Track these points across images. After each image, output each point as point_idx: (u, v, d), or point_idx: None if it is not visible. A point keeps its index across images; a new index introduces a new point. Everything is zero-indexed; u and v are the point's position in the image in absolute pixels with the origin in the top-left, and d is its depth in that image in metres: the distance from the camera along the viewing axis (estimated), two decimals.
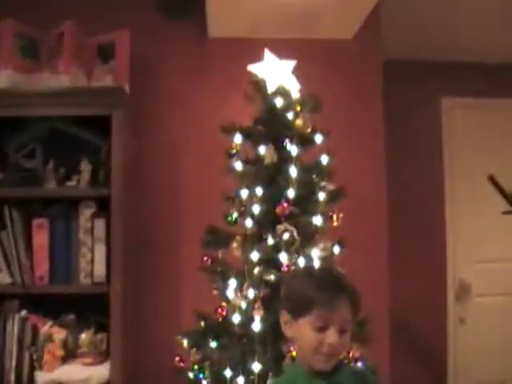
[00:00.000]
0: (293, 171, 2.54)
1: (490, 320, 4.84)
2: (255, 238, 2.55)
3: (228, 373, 2.40)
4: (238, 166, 2.63)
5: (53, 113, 2.80)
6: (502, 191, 4.10)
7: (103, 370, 2.77)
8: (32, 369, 2.77)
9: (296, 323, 1.66)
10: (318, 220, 2.56)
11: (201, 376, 2.50)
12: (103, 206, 2.86)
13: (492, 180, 4.11)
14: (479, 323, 4.83)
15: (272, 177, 2.58)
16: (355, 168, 3.33)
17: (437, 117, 4.50)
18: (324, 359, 1.61)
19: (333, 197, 2.65)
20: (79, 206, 2.86)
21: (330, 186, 2.66)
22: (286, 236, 2.49)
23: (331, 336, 1.59)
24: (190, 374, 2.59)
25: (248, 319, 2.41)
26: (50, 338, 2.77)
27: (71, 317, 2.91)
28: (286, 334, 1.72)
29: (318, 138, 2.66)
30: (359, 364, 2.45)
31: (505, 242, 4.77)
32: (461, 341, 4.84)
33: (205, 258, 2.65)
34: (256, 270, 2.45)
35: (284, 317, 1.71)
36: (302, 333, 1.64)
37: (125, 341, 2.85)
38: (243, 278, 2.50)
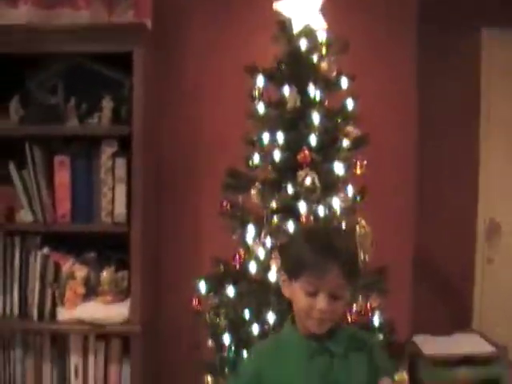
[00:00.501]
0: (316, 117, 2.45)
1: None
2: (275, 186, 2.50)
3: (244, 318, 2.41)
4: (260, 108, 2.56)
5: (73, 49, 2.74)
6: None
7: (123, 309, 2.81)
8: (54, 305, 2.82)
9: (291, 285, 1.64)
10: (340, 168, 2.49)
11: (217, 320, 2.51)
12: (124, 145, 2.82)
13: None
14: (508, 263, 4.80)
15: (294, 122, 2.50)
16: (383, 115, 3.18)
17: (476, 51, 4.28)
18: (315, 323, 1.60)
19: (357, 143, 2.57)
20: (101, 144, 2.83)
21: (355, 132, 2.57)
22: (307, 181, 2.43)
23: (320, 302, 1.56)
24: (207, 317, 2.61)
25: (265, 268, 2.39)
26: (71, 276, 2.81)
27: (92, 254, 2.95)
28: (284, 293, 1.71)
29: (344, 82, 2.56)
30: (375, 319, 2.43)
31: None
32: (488, 281, 4.81)
33: (224, 203, 2.62)
34: (274, 219, 2.41)
35: (282, 277, 1.70)
36: (295, 295, 1.63)
37: (145, 280, 2.87)
38: (262, 225, 2.47)
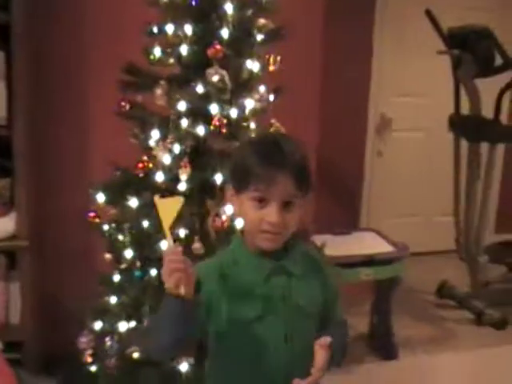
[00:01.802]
0: (229, 7, 2.17)
1: (405, 154, 4.94)
2: (182, 84, 2.23)
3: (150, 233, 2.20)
4: None
5: None
6: (437, 27, 3.85)
7: (7, 223, 2.52)
8: None
9: (239, 199, 1.48)
10: (253, 64, 2.26)
11: (120, 237, 2.27)
12: (3, 37, 2.43)
13: (429, 15, 3.84)
14: (396, 156, 4.89)
15: (204, 12, 2.21)
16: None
17: None
18: (266, 237, 1.45)
19: (270, 37, 2.32)
20: None
21: (270, 25, 2.32)
22: (215, 78, 2.18)
23: (271, 213, 1.42)
24: (106, 227, 2.36)
25: (173, 177, 2.15)
26: None
27: None
28: (233, 210, 1.62)
29: None
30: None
31: (426, 78, 4.77)
32: (377, 173, 4.90)
33: (122, 103, 2.32)
34: (183, 123, 2.16)
35: (229, 191, 1.54)
36: (244, 209, 1.47)
37: (30, 189, 2.57)
38: (167, 128, 2.21)
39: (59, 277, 3.01)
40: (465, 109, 4.05)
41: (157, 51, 2.26)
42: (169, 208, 1.37)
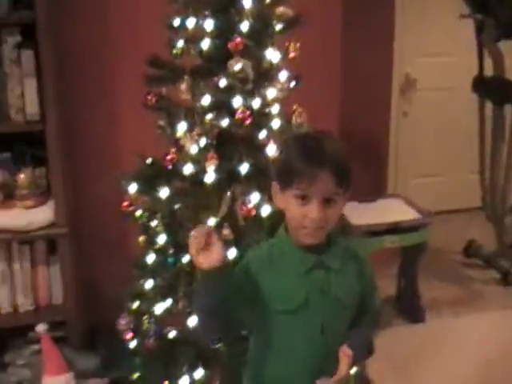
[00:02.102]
0: (247, 2, 2.22)
1: (431, 114, 4.94)
2: (205, 77, 2.29)
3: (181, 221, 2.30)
4: None
5: None
6: None
7: (46, 212, 2.65)
8: None
9: (283, 195, 1.58)
10: (273, 54, 2.31)
11: (153, 224, 2.38)
12: (29, 36, 2.51)
13: None
14: (421, 117, 4.91)
15: (223, 7, 2.26)
16: None
17: None
18: (308, 232, 1.55)
19: (289, 25, 2.37)
20: (0, 33, 2.51)
21: (288, 12, 2.37)
22: (237, 68, 2.24)
23: (313, 209, 1.51)
24: (139, 214, 2.48)
25: (201, 169, 2.25)
26: None
27: (6, 155, 2.71)
28: (277, 204, 1.65)
29: None
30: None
31: (451, 38, 4.76)
32: (403, 134, 4.93)
33: (149, 96, 2.40)
34: (208, 117, 2.24)
35: (274, 187, 1.63)
36: (288, 205, 1.57)
37: (66, 179, 2.70)
38: (193, 120, 2.29)
39: (96, 261, 3.15)
40: (489, 71, 4.05)
41: (179, 44, 2.32)
42: None
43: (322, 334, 1.60)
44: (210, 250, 1.41)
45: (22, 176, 2.64)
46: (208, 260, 1.41)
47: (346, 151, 1.58)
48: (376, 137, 4.84)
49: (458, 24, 4.22)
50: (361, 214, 3.55)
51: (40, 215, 2.63)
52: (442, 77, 4.89)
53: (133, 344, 2.55)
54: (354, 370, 1.76)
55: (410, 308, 3.74)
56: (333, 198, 1.53)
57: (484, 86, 4.09)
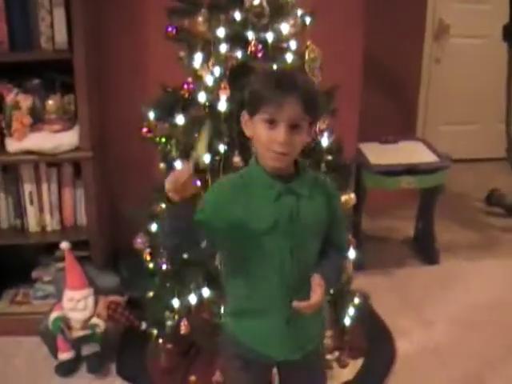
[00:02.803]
0: None
1: (463, 61, 4.92)
2: (222, 11, 2.39)
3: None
4: None
5: None
6: None
7: (72, 137, 2.79)
8: (2, 137, 2.78)
9: (252, 122, 1.66)
10: None
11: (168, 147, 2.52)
12: None
13: None
14: (453, 63, 4.89)
15: None
16: None
17: None
18: (274, 156, 1.63)
19: None
20: None
21: None
22: (256, 1, 2.33)
23: (280, 133, 1.59)
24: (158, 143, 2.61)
25: (214, 98, 2.36)
26: (16, 106, 2.74)
27: (36, 81, 2.85)
28: (246, 134, 1.73)
29: None
30: (323, 141, 2.47)
31: None
32: (434, 80, 4.93)
33: (169, 29, 2.51)
34: (222, 48, 2.34)
35: (244, 117, 1.71)
36: (256, 131, 1.65)
37: (92, 105, 2.84)
38: (209, 52, 2.40)
39: (119, 183, 3.31)
40: None
41: None
42: None
43: (292, 255, 1.69)
44: (184, 189, 1.53)
45: (50, 102, 2.78)
46: (180, 195, 1.53)
47: (315, 85, 1.66)
48: (407, 82, 4.83)
49: None
50: (380, 154, 3.65)
51: (66, 139, 2.77)
52: (476, 24, 4.85)
53: (151, 264, 2.72)
54: (326, 298, 1.85)
55: (425, 249, 3.81)
56: (299, 124, 1.61)
57: None
